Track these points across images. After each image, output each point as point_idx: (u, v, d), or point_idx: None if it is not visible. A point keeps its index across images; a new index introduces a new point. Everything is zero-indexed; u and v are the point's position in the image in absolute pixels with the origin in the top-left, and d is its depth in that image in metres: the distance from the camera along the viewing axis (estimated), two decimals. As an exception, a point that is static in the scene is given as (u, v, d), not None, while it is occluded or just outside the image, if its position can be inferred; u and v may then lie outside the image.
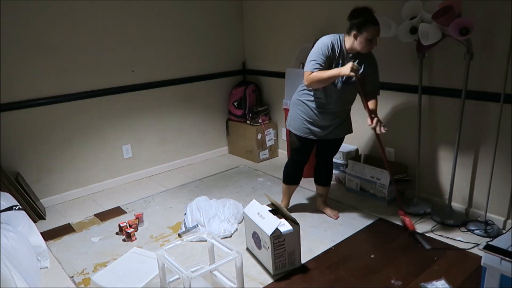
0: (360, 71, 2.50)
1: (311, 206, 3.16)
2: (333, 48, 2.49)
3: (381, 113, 3.27)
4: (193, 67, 4.03)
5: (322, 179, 3.00)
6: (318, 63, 2.47)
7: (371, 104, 2.59)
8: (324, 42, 2.49)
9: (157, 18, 3.68)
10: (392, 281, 2.26)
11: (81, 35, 3.28)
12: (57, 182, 3.40)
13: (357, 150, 3.53)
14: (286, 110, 3.70)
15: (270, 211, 2.42)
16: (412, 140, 3.09)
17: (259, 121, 4.12)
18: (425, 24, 2.49)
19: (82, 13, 3.25)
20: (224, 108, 4.38)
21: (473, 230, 2.69)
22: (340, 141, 2.89)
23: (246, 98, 4.19)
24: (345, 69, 2.37)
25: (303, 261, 2.45)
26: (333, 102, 2.62)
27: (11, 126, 3.10)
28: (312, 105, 2.66)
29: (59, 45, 3.19)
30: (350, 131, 2.85)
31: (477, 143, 2.77)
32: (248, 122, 4.18)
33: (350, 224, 2.89)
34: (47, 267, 2.51)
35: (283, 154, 4.23)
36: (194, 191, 3.54)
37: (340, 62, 2.53)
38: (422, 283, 2.20)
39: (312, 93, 2.65)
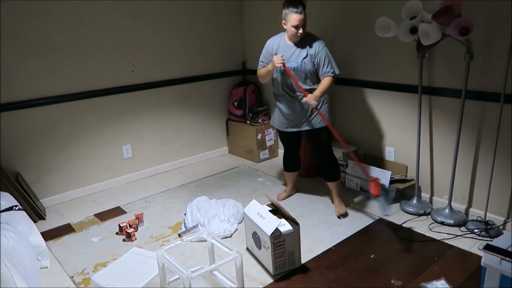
0: (294, 60, 2.78)
1: (311, 206, 3.16)
2: (272, 46, 2.88)
3: (381, 113, 3.28)
4: (193, 67, 4.03)
5: (325, 173, 3.08)
6: (262, 62, 2.93)
7: (322, 83, 2.80)
8: (266, 44, 2.93)
9: (157, 18, 3.68)
10: (392, 281, 2.26)
11: (81, 35, 3.28)
12: (57, 182, 3.40)
13: (357, 150, 3.53)
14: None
15: (270, 211, 2.42)
16: (412, 140, 3.09)
17: (259, 121, 4.12)
18: (425, 24, 2.49)
19: (82, 13, 3.25)
20: (224, 108, 4.38)
21: (473, 230, 2.69)
22: (318, 132, 2.92)
23: (246, 98, 4.19)
24: (274, 62, 2.71)
25: (303, 261, 2.45)
26: (285, 89, 2.87)
27: (11, 126, 3.10)
28: (277, 99, 2.97)
29: (59, 45, 3.20)
30: (320, 122, 2.88)
31: (477, 143, 2.77)
32: (248, 122, 4.18)
33: (350, 224, 2.89)
34: (47, 267, 2.51)
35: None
36: (194, 191, 3.54)
37: (279, 51, 2.83)
38: (422, 283, 2.20)
39: (274, 89, 2.97)
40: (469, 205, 2.90)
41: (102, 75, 3.46)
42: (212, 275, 2.25)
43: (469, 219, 2.84)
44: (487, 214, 2.74)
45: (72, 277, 2.43)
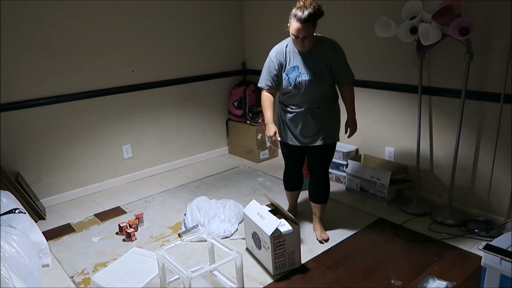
0: (307, 73, 2.41)
1: (310, 206, 3.15)
2: (277, 57, 2.46)
3: (381, 113, 3.28)
4: (193, 67, 4.03)
5: (316, 194, 2.71)
6: (266, 81, 2.53)
7: (348, 97, 2.53)
8: (269, 56, 2.51)
9: (157, 18, 3.68)
10: (392, 281, 2.26)
11: (81, 35, 3.28)
12: (57, 182, 3.40)
13: (357, 150, 3.53)
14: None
15: (269, 211, 2.42)
16: (412, 140, 3.09)
17: (259, 121, 4.12)
18: (425, 24, 2.49)
19: (82, 13, 3.25)
20: (224, 108, 4.38)
21: (473, 230, 2.69)
22: (327, 148, 2.58)
23: (246, 98, 4.19)
24: (268, 130, 2.51)
25: (303, 261, 2.45)
26: (301, 103, 2.49)
27: (11, 126, 3.10)
28: (285, 110, 2.58)
29: (59, 45, 3.20)
30: (334, 138, 2.59)
31: (477, 143, 2.77)
32: (248, 122, 4.19)
33: (350, 224, 2.88)
34: (48, 265, 2.52)
35: (283, 154, 4.22)
36: (194, 191, 3.54)
37: (290, 62, 2.44)
38: (422, 283, 2.20)
39: (281, 98, 2.59)
40: (469, 205, 2.90)
41: (102, 75, 3.46)
42: (212, 275, 2.25)
43: (469, 219, 2.84)
44: (487, 214, 2.74)
45: (72, 277, 2.43)
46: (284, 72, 2.47)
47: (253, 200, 2.56)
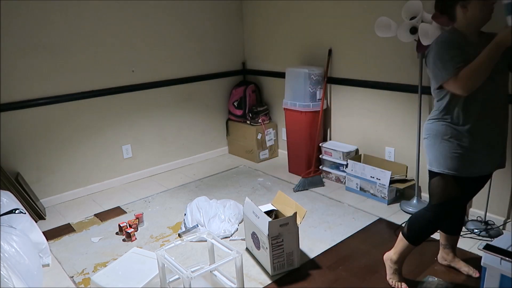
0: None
1: (311, 206, 3.15)
2: (458, 41, 1.82)
3: (381, 113, 3.28)
4: (193, 67, 4.03)
5: (458, 226, 2.26)
6: (458, 61, 1.77)
7: None
8: (447, 40, 1.84)
9: (157, 18, 3.68)
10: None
11: (81, 35, 3.28)
12: (57, 182, 3.40)
13: (357, 150, 3.53)
14: (286, 110, 3.71)
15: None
16: (412, 140, 3.09)
17: (259, 121, 4.12)
18: (425, 24, 2.49)
19: (82, 13, 3.25)
20: (224, 108, 4.38)
21: (473, 230, 2.69)
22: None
23: (246, 98, 4.19)
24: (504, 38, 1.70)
25: (303, 261, 2.45)
26: (485, 103, 1.84)
27: (11, 126, 3.10)
28: (462, 128, 1.87)
29: (59, 45, 3.20)
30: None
31: (477, 143, 2.76)
32: (248, 122, 4.18)
33: (350, 224, 2.88)
34: (48, 265, 2.52)
35: (283, 154, 4.22)
36: (194, 191, 3.54)
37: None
38: (422, 281, 2.20)
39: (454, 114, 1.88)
40: (469, 205, 2.89)
41: (102, 75, 3.46)
42: (212, 275, 2.25)
43: (469, 219, 2.84)
44: (487, 214, 2.74)
45: (72, 277, 2.43)
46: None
47: (246, 198, 2.55)
